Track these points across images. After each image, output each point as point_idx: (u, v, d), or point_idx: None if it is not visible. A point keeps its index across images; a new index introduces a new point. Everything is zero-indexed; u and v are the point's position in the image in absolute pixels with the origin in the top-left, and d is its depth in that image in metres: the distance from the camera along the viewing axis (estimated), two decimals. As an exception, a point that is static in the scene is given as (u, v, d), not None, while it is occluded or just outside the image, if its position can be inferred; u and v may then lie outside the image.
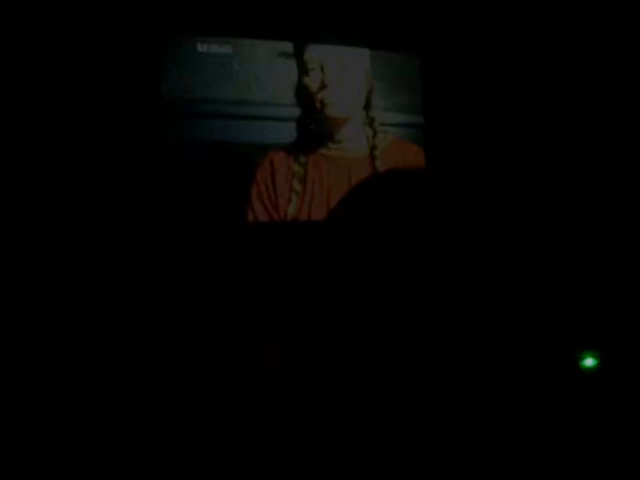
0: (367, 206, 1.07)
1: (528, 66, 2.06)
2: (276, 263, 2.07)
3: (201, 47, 2.09)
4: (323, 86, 2.06)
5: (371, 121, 2.12)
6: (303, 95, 2.10)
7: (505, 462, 1.12)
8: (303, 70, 2.09)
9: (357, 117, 2.12)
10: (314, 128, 2.12)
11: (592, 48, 1.99)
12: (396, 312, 1.07)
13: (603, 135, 2.02)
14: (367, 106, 2.13)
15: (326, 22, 2.05)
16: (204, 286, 2.03)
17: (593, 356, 1.89)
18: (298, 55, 2.10)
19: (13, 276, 1.88)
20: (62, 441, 1.82)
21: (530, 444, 1.27)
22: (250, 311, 2.02)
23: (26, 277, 1.90)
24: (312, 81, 2.08)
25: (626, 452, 1.63)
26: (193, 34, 2.07)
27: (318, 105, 2.08)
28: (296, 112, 2.11)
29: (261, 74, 2.11)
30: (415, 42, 2.08)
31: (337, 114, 2.08)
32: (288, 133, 2.13)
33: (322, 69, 2.05)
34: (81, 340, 1.91)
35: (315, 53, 2.08)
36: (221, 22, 2.05)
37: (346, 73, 2.08)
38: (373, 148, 2.12)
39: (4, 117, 1.92)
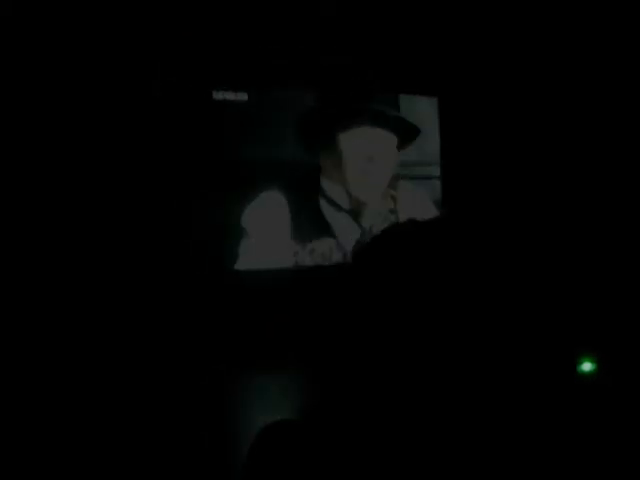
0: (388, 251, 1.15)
1: (544, 110, 2.19)
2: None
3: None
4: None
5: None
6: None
7: (505, 463, 1.18)
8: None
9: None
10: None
11: (610, 96, 2.15)
12: (401, 315, 1.14)
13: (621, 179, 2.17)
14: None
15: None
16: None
17: (591, 361, 1.96)
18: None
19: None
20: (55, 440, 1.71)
21: (529, 447, 1.33)
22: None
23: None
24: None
25: (624, 455, 1.68)
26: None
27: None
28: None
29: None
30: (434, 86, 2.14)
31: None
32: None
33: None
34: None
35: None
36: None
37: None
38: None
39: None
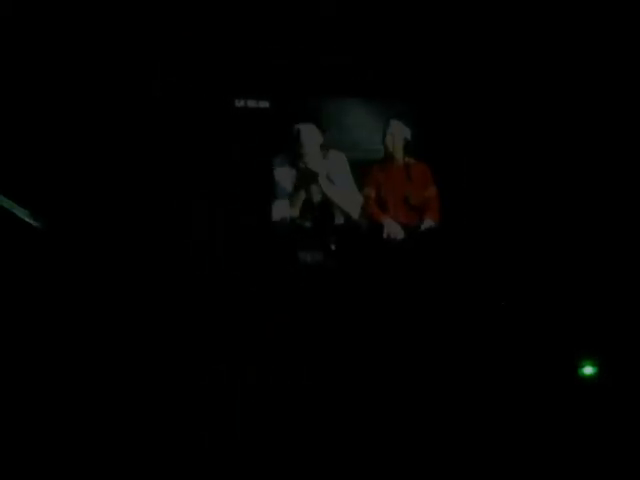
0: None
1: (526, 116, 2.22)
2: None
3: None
4: None
5: None
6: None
7: (506, 464, 1.23)
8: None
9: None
10: None
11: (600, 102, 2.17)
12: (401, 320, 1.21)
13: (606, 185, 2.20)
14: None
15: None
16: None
17: (592, 364, 1.98)
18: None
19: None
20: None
21: (531, 449, 1.38)
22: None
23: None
24: None
25: (624, 456, 1.73)
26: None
27: None
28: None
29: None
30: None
31: None
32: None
33: None
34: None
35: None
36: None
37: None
38: None
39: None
